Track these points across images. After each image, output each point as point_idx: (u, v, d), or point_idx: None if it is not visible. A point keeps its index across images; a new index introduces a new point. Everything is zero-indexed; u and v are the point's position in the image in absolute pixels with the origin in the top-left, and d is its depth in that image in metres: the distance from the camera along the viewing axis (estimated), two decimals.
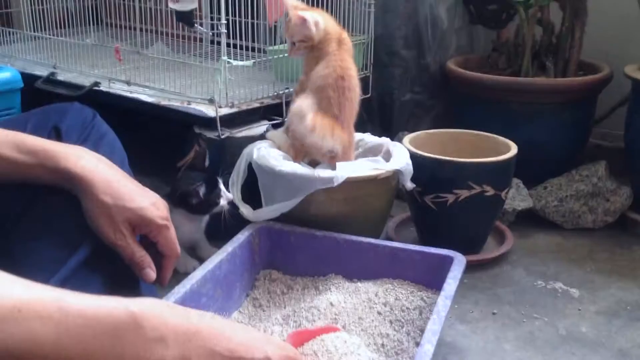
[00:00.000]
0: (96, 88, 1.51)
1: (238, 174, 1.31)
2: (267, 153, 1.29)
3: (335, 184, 1.19)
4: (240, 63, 1.37)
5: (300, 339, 0.98)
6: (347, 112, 1.26)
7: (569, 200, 1.58)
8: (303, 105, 1.24)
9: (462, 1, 1.96)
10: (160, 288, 0.91)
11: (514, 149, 1.39)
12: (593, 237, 1.56)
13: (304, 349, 0.96)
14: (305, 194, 1.20)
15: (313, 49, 1.28)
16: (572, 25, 1.72)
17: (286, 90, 1.51)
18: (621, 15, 1.79)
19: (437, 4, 1.85)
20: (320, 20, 1.27)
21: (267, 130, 1.46)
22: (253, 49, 1.74)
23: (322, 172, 1.21)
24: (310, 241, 1.24)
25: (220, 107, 1.37)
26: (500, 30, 2.00)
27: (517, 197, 1.61)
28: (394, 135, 1.72)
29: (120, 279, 0.87)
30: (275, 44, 1.69)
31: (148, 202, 0.86)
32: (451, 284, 1.07)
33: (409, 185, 1.30)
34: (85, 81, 1.56)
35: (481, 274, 1.38)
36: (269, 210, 1.24)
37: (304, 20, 1.24)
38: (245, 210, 1.28)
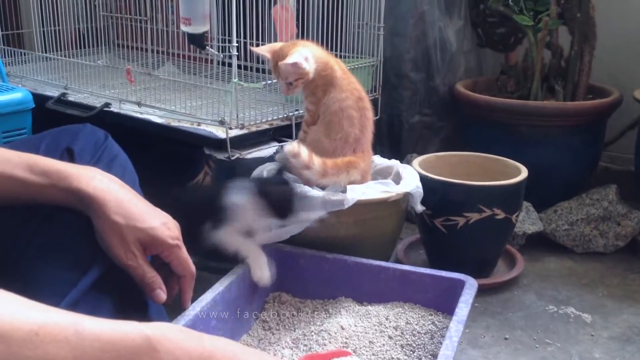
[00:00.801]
0: (107, 109, 1.52)
1: None
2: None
3: (346, 207, 1.18)
4: (251, 85, 1.38)
5: None
6: (368, 132, 1.26)
7: (579, 224, 1.57)
8: (302, 153, 1.21)
9: (471, 24, 1.97)
10: (170, 310, 0.91)
11: (524, 172, 1.39)
12: (604, 262, 1.55)
13: None
14: (316, 217, 1.19)
15: (313, 79, 1.27)
16: (581, 48, 1.73)
17: (296, 112, 1.51)
18: (630, 38, 1.80)
19: (446, 27, 1.86)
20: (308, 53, 1.25)
21: (277, 151, 1.46)
22: (263, 71, 1.75)
23: (332, 195, 1.21)
24: (320, 263, 1.23)
25: (230, 128, 1.37)
26: (508, 53, 2.01)
27: (527, 221, 1.60)
28: (402, 157, 1.72)
29: (130, 300, 0.86)
30: None
31: (159, 222, 0.86)
32: (463, 308, 1.06)
33: (419, 208, 1.30)
34: (96, 102, 1.57)
35: (492, 298, 1.37)
36: (281, 232, 1.23)
37: (294, 65, 1.22)
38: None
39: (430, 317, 1.15)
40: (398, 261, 1.46)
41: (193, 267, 0.93)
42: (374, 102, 1.74)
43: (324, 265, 1.23)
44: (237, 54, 1.34)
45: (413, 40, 1.80)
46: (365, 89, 1.72)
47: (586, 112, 1.64)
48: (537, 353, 1.18)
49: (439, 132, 1.94)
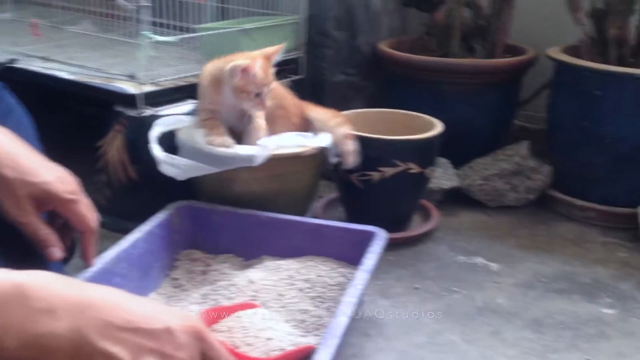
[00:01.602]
0: (13, 65, 1.46)
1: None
2: (190, 131, 1.28)
3: (256, 163, 1.18)
4: (162, 38, 1.35)
5: (216, 316, 0.97)
6: None
7: (493, 179, 1.62)
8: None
9: None
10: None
11: (438, 127, 1.41)
12: (516, 215, 1.61)
13: (218, 325, 0.96)
14: (225, 169, 1.19)
15: None
16: (500, 7, 1.75)
17: None
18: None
19: None
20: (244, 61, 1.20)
21: (194, 109, 1.44)
22: (182, 28, 1.71)
23: (242, 150, 1.20)
24: (233, 220, 1.23)
25: (142, 84, 1.34)
26: (433, 13, 2.02)
27: (444, 177, 1.63)
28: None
29: (25, 259, 0.84)
30: (202, 22, 1.66)
31: (53, 176, 0.84)
32: (371, 258, 1.08)
33: (333, 159, 1.31)
34: (1, 58, 1.50)
35: (406, 251, 1.40)
36: (190, 166, 1.20)
37: (244, 70, 1.18)
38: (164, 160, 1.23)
39: (341, 270, 1.17)
40: (316, 218, 1.47)
41: (92, 223, 0.91)
42: (297, 61, 1.74)
43: (237, 221, 1.23)
44: (147, 4, 1.30)
45: None
46: (288, 47, 1.73)
47: (501, 69, 1.68)
48: (443, 300, 1.22)
49: (363, 91, 1.94)
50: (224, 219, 1.24)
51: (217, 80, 1.23)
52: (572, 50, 1.61)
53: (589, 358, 1.06)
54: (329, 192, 1.62)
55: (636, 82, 1.42)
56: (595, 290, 1.27)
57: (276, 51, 1.26)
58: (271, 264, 1.18)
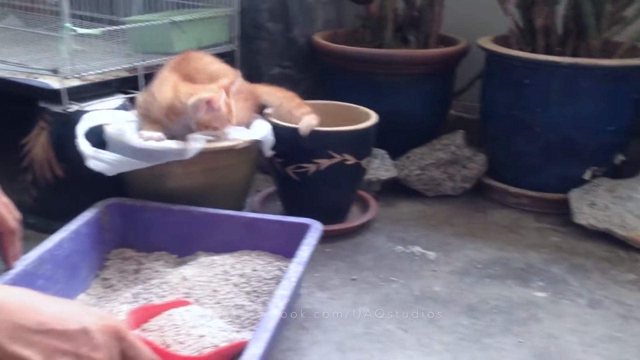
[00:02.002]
0: None
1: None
2: (122, 126, 1.24)
3: (187, 157, 1.15)
4: (86, 31, 1.30)
5: (145, 315, 0.94)
6: None
7: (429, 169, 1.63)
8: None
9: None
10: None
11: (373, 118, 1.41)
12: (453, 203, 1.63)
13: (148, 325, 0.93)
14: (156, 163, 1.15)
15: None
16: None
17: (143, 63, 1.45)
18: None
19: None
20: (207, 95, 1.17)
21: (124, 104, 1.40)
22: (112, 22, 1.66)
23: (174, 144, 1.17)
24: (165, 216, 1.20)
25: (66, 78, 1.29)
26: (367, 5, 2.02)
27: (382, 168, 1.64)
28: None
29: None
30: (131, 15, 1.61)
31: None
32: (305, 250, 1.07)
33: (269, 152, 1.29)
34: None
35: (344, 243, 1.40)
36: (119, 161, 1.17)
37: (209, 103, 1.16)
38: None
39: (277, 263, 1.16)
40: (253, 212, 1.45)
41: (12, 223, 0.87)
42: (232, 54, 1.71)
43: (170, 217, 1.20)
44: None
45: None
46: (221, 40, 1.70)
47: (434, 59, 1.69)
48: (381, 290, 1.22)
49: (300, 84, 1.93)
50: (156, 215, 1.20)
51: (174, 110, 1.19)
52: (502, 40, 1.64)
53: (522, 341, 1.08)
54: (267, 186, 1.60)
55: (563, 71, 1.46)
56: (528, 274, 1.30)
57: (232, 83, 1.23)
58: (205, 259, 1.15)
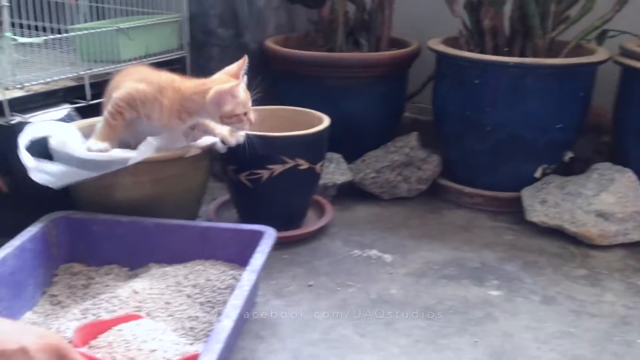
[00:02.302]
0: None
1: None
2: (64, 137, 1.20)
3: (130, 164, 1.12)
4: (28, 40, 1.26)
5: (93, 331, 0.92)
6: None
7: (385, 171, 1.64)
8: None
9: None
10: None
11: (325, 122, 1.41)
12: (408, 205, 1.63)
13: (97, 341, 0.91)
14: (101, 173, 1.12)
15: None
16: (382, 2, 1.78)
17: (89, 72, 1.42)
18: None
19: None
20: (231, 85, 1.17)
21: (69, 114, 1.36)
22: (59, 31, 1.62)
23: (117, 153, 1.14)
24: (115, 228, 1.17)
25: (7, 89, 1.24)
26: (319, 9, 2.02)
27: (338, 172, 1.64)
28: None
29: None
30: (77, 23, 1.57)
31: None
32: (258, 258, 1.06)
33: (221, 148, 1.26)
34: None
35: (300, 249, 1.39)
36: (64, 172, 1.13)
37: (232, 94, 1.16)
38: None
39: (231, 272, 1.14)
40: (208, 221, 1.43)
41: None
42: (182, 61, 1.69)
43: (120, 229, 1.17)
44: (7, 4, 1.21)
45: None
46: (171, 47, 1.68)
47: (386, 62, 1.70)
48: (338, 295, 1.21)
49: (254, 89, 1.91)
50: (105, 228, 1.17)
51: (189, 110, 1.17)
52: (452, 42, 1.65)
53: (477, 340, 1.08)
54: (222, 194, 1.58)
55: (510, 70, 1.48)
56: (483, 273, 1.31)
57: (241, 66, 1.23)
58: (157, 271, 1.13)
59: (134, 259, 1.18)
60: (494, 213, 1.59)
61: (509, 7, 1.61)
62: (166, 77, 1.20)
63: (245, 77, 1.21)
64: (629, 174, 1.46)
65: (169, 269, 1.13)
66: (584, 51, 1.59)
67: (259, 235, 1.14)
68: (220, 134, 1.26)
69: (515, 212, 1.57)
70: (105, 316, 0.99)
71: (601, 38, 1.61)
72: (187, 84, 1.20)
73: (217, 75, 1.22)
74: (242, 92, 1.18)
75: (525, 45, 1.60)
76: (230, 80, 1.19)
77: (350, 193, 1.65)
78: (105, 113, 1.18)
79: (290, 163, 1.34)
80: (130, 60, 1.55)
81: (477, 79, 1.51)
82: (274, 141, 1.33)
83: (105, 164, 1.14)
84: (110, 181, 1.17)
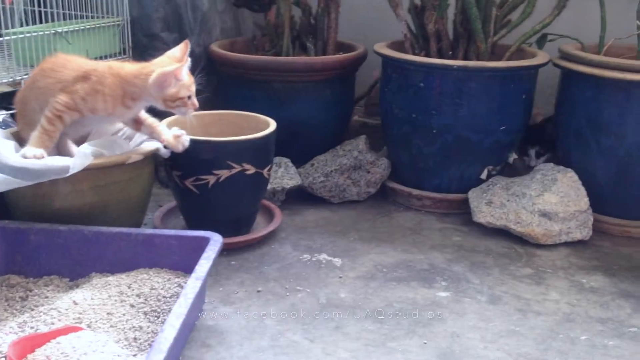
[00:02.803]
0: None
1: None
2: None
3: (71, 173, 1.08)
4: None
5: (30, 345, 0.88)
6: None
7: (334, 175, 1.63)
8: None
9: None
10: None
11: (272, 126, 1.39)
12: (358, 209, 1.63)
13: (34, 355, 0.87)
14: (37, 182, 1.08)
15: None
16: (328, 6, 1.77)
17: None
18: None
19: None
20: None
21: (4, 121, 1.31)
22: None
23: (55, 161, 1.10)
24: (54, 238, 1.13)
25: None
26: (265, 13, 2.01)
27: (286, 176, 1.62)
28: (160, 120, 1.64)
29: None
30: (12, 27, 1.52)
31: None
32: (203, 264, 1.04)
33: (165, 153, 1.24)
34: None
35: (249, 255, 1.37)
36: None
37: (176, 76, 1.15)
38: None
39: (177, 280, 1.12)
40: (154, 229, 1.40)
41: None
42: None
43: (59, 238, 1.13)
44: None
45: None
46: (113, 51, 1.64)
47: (333, 66, 1.70)
48: (287, 300, 1.20)
49: (199, 94, 1.88)
50: (43, 237, 1.13)
51: (132, 95, 1.15)
52: (398, 46, 1.67)
53: (426, 342, 1.08)
54: (169, 201, 1.54)
55: (454, 73, 1.49)
56: (432, 275, 1.31)
57: (185, 50, 1.22)
58: (99, 281, 1.09)
59: (75, 269, 1.14)
60: (442, 215, 1.61)
61: (452, 11, 1.63)
62: (102, 65, 1.18)
63: (189, 60, 1.20)
64: (570, 174, 1.50)
65: (111, 278, 1.10)
66: (525, 54, 1.63)
67: (204, 242, 1.11)
68: (166, 140, 1.23)
69: (462, 214, 1.58)
70: (44, 329, 0.95)
71: (541, 42, 1.65)
72: (127, 68, 1.17)
73: (159, 59, 1.20)
74: (186, 75, 1.17)
75: (469, 49, 1.62)
76: (173, 63, 1.17)
77: (300, 197, 1.64)
78: (42, 119, 1.14)
79: (237, 168, 1.32)
80: None
81: (422, 82, 1.53)
82: (220, 146, 1.31)
83: (41, 172, 1.09)
84: (48, 190, 1.13)
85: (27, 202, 1.16)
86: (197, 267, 1.02)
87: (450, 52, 1.63)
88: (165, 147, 1.25)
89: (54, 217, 1.15)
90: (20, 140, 1.19)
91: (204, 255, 1.06)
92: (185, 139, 1.24)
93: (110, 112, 1.15)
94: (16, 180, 1.08)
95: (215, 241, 1.11)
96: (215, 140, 1.31)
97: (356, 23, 1.91)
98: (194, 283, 0.98)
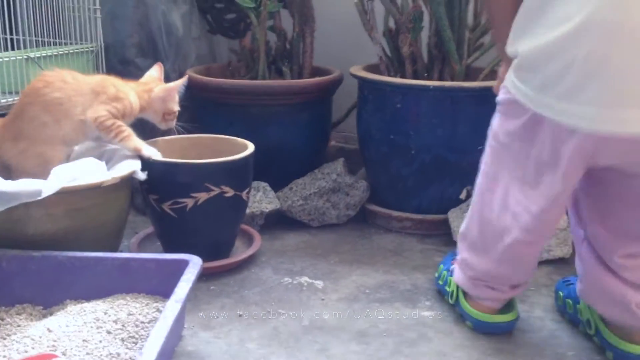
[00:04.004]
0: None
1: None
2: None
3: (42, 197, 1.05)
4: None
5: None
6: None
7: (313, 198, 1.62)
8: None
9: (199, 10, 1.93)
10: None
11: (250, 148, 1.38)
12: (338, 232, 1.62)
13: None
14: (7, 207, 1.04)
15: None
16: (303, 31, 1.78)
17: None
18: (347, 20, 1.91)
19: (170, 11, 1.79)
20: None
21: None
22: None
23: (27, 184, 1.07)
24: (27, 264, 1.09)
25: None
26: (240, 39, 2.01)
27: (265, 200, 1.60)
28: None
29: None
30: None
31: None
32: (182, 287, 1.01)
33: (141, 175, 1.22)
34: None
35: (229, 279, 1.34)
36: None
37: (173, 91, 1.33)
38: None
39: (155, 305, 1.08)
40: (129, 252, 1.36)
41: None
42: None
43: (32, 265, 1.10)
44: None
45: (135, 24, 1.71)
46: None
47: (310, 89, 1.69)
48: (269, 324, 1.17)
49: (177, 119, 1.87)
50: (15, 264, 1.09)
51: (136, 110, 1.30)
52: (373, 69, 1.68)
53: None
54: (145, 227, 1.51)
55: (432, 94, 1.50)
56: (415, 295, 1.30)
57: (161, 71, 1.40)
58: (74, 308, 1.05)
59: (49, 297, 1.10)
60: (422, 236, 1.60)
61: (425, 33, 1.65)
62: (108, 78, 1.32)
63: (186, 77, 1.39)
64: None
65: (87, 304, 1.06)
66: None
67: (183, 264, 1.09)
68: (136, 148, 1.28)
69: (443, 235, 1.58)
70: (16, 357, 0.91)
71: None
72: (128, 84, 1.33)
73: (144, 79, 1.37)
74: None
75: (444, 70, 1.64)
76: (155, 82, 1.34)
77: (279, 221, 1.62)
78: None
79: (216, 190, 1.30)
80: None
81: (399, 103, 1.53)
82: (198, 168, 1.29)
83: (12, 196, 1.06)
84: (20, 214, 1.10)
85: None
86: (176, 290, 0.99)
87: (426, 74, 1.65)
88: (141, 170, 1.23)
89: (27, 243, 1.12)
90: None
91: (184, 277, 1.03)
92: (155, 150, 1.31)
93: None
94: None
95: (195, 263, 1.08)
96: (193, 162, 1.29)
97: (329, 48, 1.91)
98: (173, 305, 0.95)
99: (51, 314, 1.07)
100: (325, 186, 1.63)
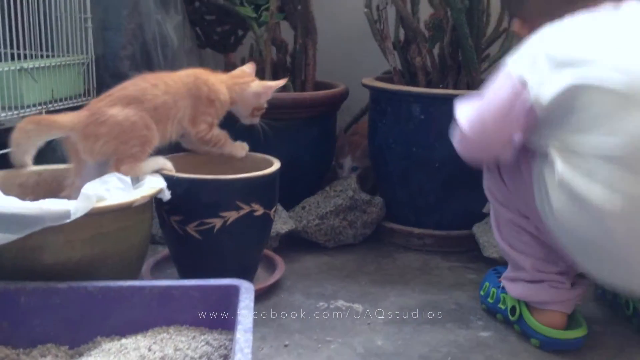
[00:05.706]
0: None
1: None
2: None
3: (71, 219, 0.92)
4: None
5: None
6: None
7: (329, 217, 1.52)
8: None
9: (190, 22, 1.82)
10: None
11: (277, 163, 1.27)
12: (356, 252, 1.53)
13: None
14: (30, 232, 0.90)
15: None
16: (305, 43, 1.70)
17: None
18: (350, 32, 1.85)
19: (165, 21, 1.67)
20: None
21: None
22: None
23: (52, 205, 0.93)
24: (50, 298, 0.94)
25: None
26: (229, 53, 1.91)
27: (279, 221, 1.49)
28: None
29: None
30: None
31: None
32: (246, 315, 0.89)
33: (167, 194, 1.09)
34: None
35: (259, 306, 1.21)
36: None
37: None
38: None
39: (203, 337, 0.96)
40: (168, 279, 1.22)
41: None
42: None
43: (57, 299, 0.95)
44: None
45: (129, 34, 1.58)
46: (77, 92, 1.48)
47: (322, 101, 1.60)
48: (321, 353, 1.06)
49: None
50: (36, 299, 0.94)
51: (227, 105, 1.28)
52: (385, 80, 1.61)
53: None
54: (153, 253, 1.37)
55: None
56: (464, 315, 1.22)
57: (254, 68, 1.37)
58: (111, 346, 0.91)
59: (75, 334, 0.95)
60: (446, 253, 1.53)
61: (437, 44, 1.60)
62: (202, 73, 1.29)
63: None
64: None
65: (126, 341, 0.92)
66: None
67: (233, 291, 0.97)
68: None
69: (467, 251, 1.51)
70: None
71: None
72: (219, 77, 1.30)
73: (236, 72, 1.34)
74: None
75: (459, 80, 1.59)
76: (249, 75, 1.34)
77: (291, 243, 1.52)
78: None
79: (246, 209, 1.19)
80: (34, 105, 1.34)
81: (422, 114, 1.47)
82: (228, 184, 1.17)
83: (36, 219, 0.91)
84: (38, 241, 0.95)
85: (13, 258, 0.96)
86: (240, 319, 0.87)
87: (441, 85, 1.59)
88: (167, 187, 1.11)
89: (44, 274, 0.96)
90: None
91: (242, 304, 0.91)
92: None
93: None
94: (5, 236, 0.89)
95: (247, 288, 0.96)
96: (222, 178, 1.17)
97: (331, 60, 1.84)
98: (244, 336, 0.83)
99: (80, 355, 0.93)
100: (341, 204, 1.54)
